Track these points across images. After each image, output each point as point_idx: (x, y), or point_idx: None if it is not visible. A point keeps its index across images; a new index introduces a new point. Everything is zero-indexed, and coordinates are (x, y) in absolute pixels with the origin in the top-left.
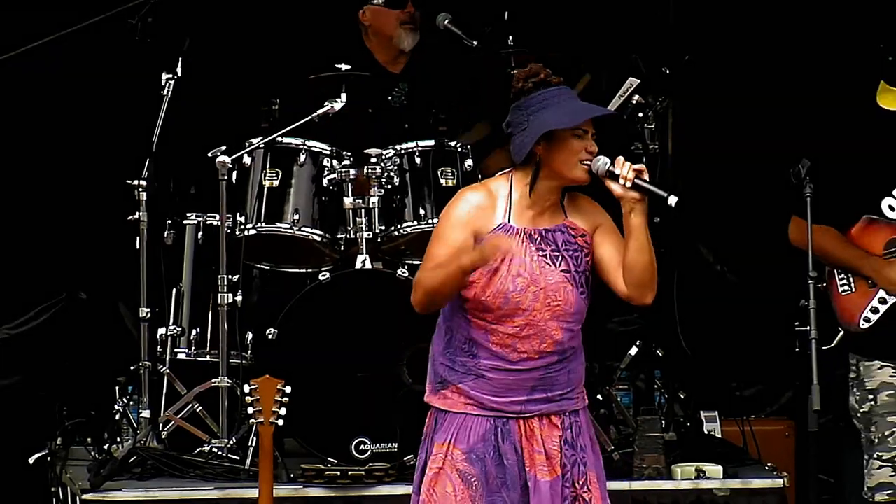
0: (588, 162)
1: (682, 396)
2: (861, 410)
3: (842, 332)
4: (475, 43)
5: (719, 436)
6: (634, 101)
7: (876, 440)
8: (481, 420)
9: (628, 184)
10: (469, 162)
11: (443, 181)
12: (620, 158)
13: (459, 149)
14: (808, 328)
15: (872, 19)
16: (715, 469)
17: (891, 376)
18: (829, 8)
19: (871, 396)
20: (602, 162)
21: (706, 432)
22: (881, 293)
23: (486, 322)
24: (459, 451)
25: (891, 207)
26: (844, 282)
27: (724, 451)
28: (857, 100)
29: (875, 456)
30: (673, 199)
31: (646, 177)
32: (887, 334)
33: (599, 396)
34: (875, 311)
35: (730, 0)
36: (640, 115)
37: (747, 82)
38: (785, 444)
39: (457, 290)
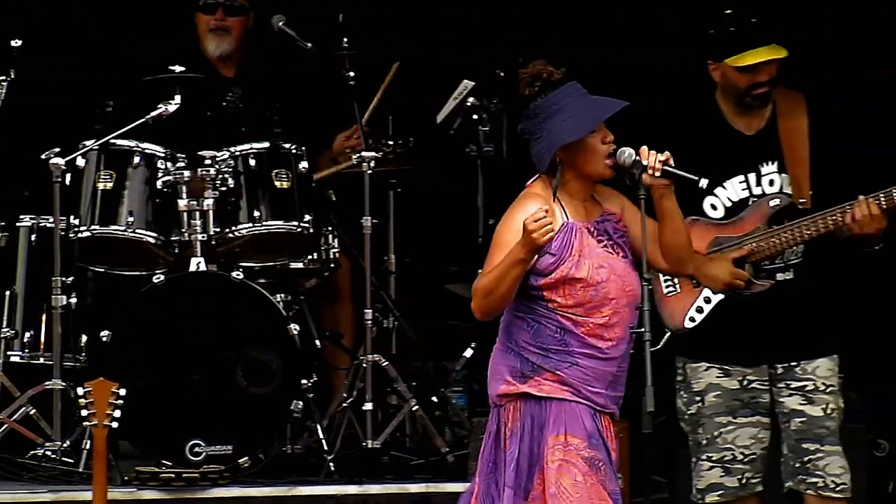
0: (611, 156)
1: None
2: (688, 413)
3: (668, 334)
4: (310, 45)
5: None
6: (469, 104)
7: (704, 441)
8: (583, 408)
9: (657, 173)
10: (304, 164)
11: (277, 183)
12: (645, 148)
13: (294, 151)
14: (642, 330)
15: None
16: None
17: (717, 377)
18: (665, 6)
19: (698, 398)
20: (627, 154)
21: None
22: (706, 292)
23: (575, 315)
24: (579, 440)
25: (713, 206)
26: (669, 282)
27: None
28: (683, 101)
29: (704, 457)
30: (704, 182)
31: (672, 162)
32: (712, 334)
33: (434, 398)
34: (700, 310)
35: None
36: (475, 117)
37: (581, 81)
38: (620, 445)
39: (515, 286)
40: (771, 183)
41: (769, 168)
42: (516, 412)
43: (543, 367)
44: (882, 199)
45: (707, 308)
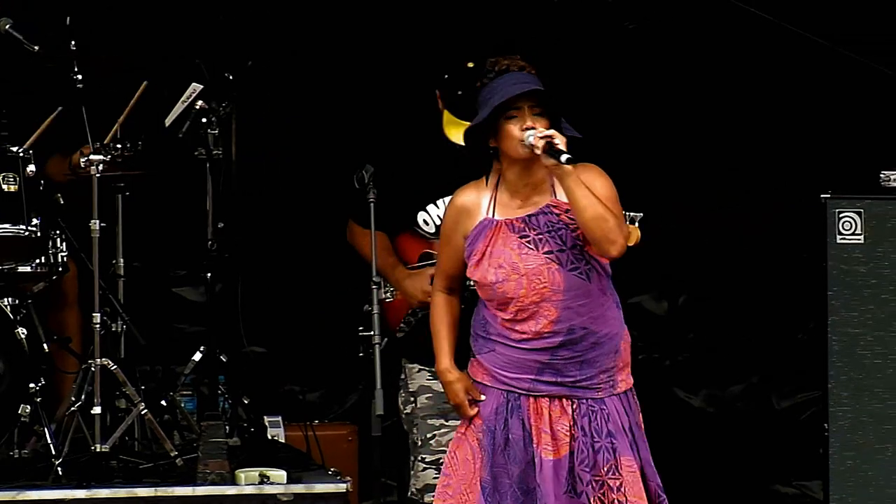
0: (528, 134)
1: (246, 402)
2: (405, 412)
3: (385, 339)
4: (37, 48)
5: (283, 441)
6: (198, 107)
7: (419, 442)
8: (496, 393)
9: (539, 152)
10: (31, 167)
11: (4, 186)
12: (537, 128)
13: (21, 154)
14: (372, 333)
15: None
16: (279, 474)
17: (428, 379)
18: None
19: (412, 399)
20: (527, 135)
21: (270, 437)
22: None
23: (492, 306)
24: (480, 421)
25: (425, 222)
26: (388, 288)
27: (287, 455)
28: (415, 112)
29: (420, 458)
30: (565, 157)
31: (557, 141)
32: (422, 340)
33: (163, 402)
34: (408, 322)
35: (293, 4)
36: (204, 120)
37: (310, 88)
38: (348, 448)
39: None
40: None
41: None
42: None
43: (474, 351)
44: None
45: (416, 319)
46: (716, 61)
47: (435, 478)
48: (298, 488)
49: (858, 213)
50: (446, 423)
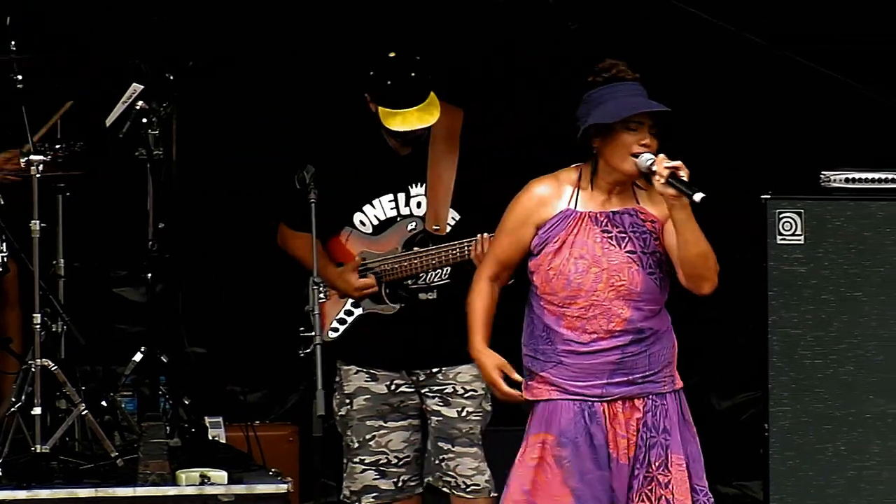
0: (635, 156)
1: (186, 402)
2: (339, 414)
3: (313, 336)
4: None
5: (224, 441)
6: (139, 107)
7: (356, 444)
8: (568, 404)
9: (661, 180)
10: None
11: None
12: (661, 156)
13: None
14: (313, 334)
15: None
16: (220, 475)
17: (366, 381)
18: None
19: (348, 401)
20: (644, 158)
21: (211, 438)
22: (350, 303)
23: (556, 306)
24: (553, 438)
25: (361, 223)
26: (322, 290)
27: (228, 456)
28: (353, 113)
29: (357, 460)
30: (698, 196)
31: (682, 174)
32: (359, 341)
33: (104, 403)
34: (343, 321)
35: (233, 4)
36: (144, 120)
37: (251, 88)
38: (289, 448)
39: None
40: (419, 205)
41: (418, 190)
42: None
43: (533, 371)
44: None
45: (350, 320)
46: (656, 62)
47: (375, 479)
48: (239, 489)
49: (799, 214)
50: (385, 425)
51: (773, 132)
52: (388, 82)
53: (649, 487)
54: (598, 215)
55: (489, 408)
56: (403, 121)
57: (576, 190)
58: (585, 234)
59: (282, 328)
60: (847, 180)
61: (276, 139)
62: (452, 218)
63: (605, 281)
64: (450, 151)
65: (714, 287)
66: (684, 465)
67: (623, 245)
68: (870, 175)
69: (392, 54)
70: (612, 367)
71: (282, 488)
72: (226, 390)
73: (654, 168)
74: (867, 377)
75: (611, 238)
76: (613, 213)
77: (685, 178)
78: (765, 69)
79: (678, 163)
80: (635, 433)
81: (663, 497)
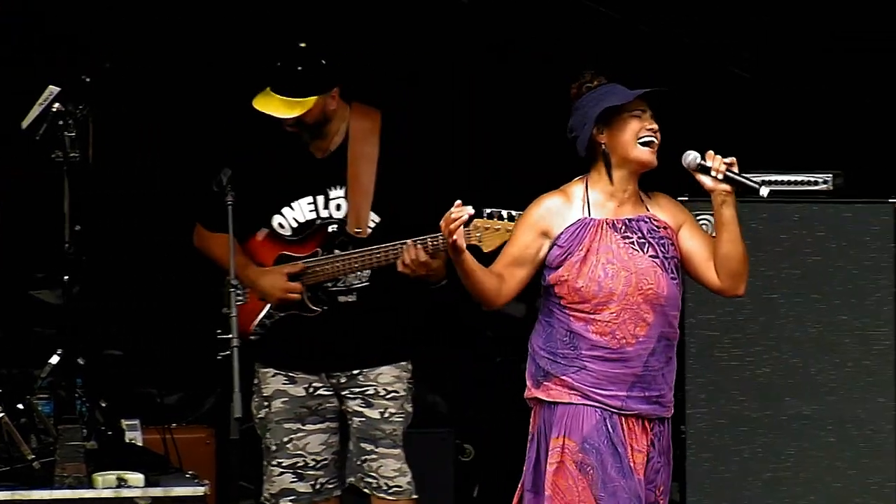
0: (647, 139)
1: (103, 405)
2: (258, 416)
3: (230, 339)
4: None
5: (141, 444)
6: (55, 109)
7: (274, 447)
8: (590, 410)
9: (720, 176)
10: None
11: None
12: (711, 152)
13: None
14: (230, 336)
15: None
16: (136, 477)
17: (284, 384)
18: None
19: (266, 403)
20: (693, 156)
21: (128, 441)
22: (269, 306)
23: (585, 313)
24: (574, 443)
25: (280, 225)
26: (239, 292)
27: (145, 459)
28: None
29: (275, 462)
30: (765, 191)
31: (735, 169)
32: (278, 343)
33: (20, 405)
34: (263, 325)
35: (150, 6)
36: (61, 123)
37: (168, 90)
38: (206, 451)
39: (473, 281)
40: (338, 207)
41: (337, 192)
42: (535, 416)
43: (552, 372)
44: (429, 243)
45: (269, 322)
46: (569, 62)
47: (292, 482)
48: (156, 492)
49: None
50: (303, 427)
51: (689, 134)
52: (299, 68)
53: None
54: (616, 222)
55: (410, 409)
56: (266, 104)
57: (586, 198)
58: (609, 240)
59: (199, 330)
60: (763, 182)
61: (193, 141)
62: (373, 220)
63: (634, 285)
64: (369, 153)
65: (745, 290)
66: (667, 492)
67: (645, 250)
68: (786, 177)
69: (303, 45)
70: (633, 379)
71: (199, 491)
72: (143, 393)
73: (709, 164)
74: (783, 379)
75: (632, 243)
76: (629, 220)
77: (738, 173)
78: (679, 69)
79: (732, 158)
80: (644, 454)
81: None
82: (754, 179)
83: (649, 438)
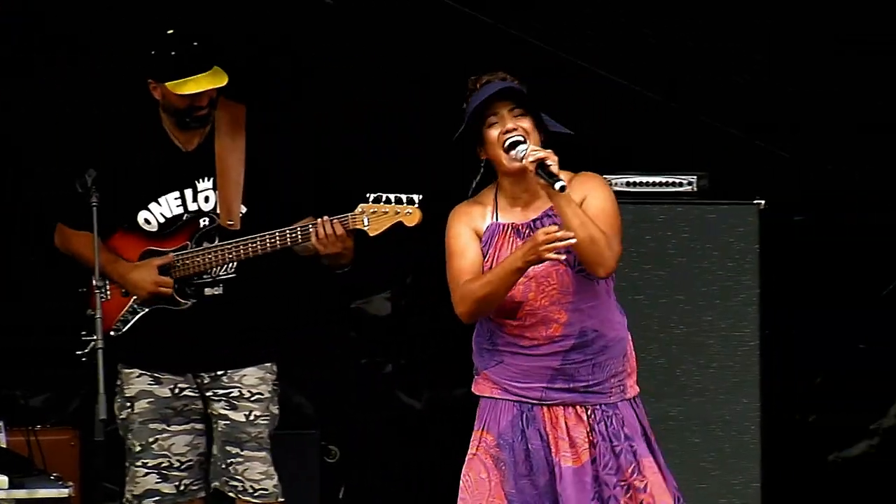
0: (512, 140)
1: None
2: (121, 417)
3: (94, 340)
4: None
5: (4, 446)
6: None
7: (138, 447)
8: (509, 405)
9: (531, 167)
10: None
11: None
12: (531, 147)
13: None
14: (95, 338)
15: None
16: (0, 479)
17: (149, 384)
18: None
19: (129, 404)
20: (520, 148)
21: None
22: (135, 300)
23: (497, 317)
24: (491, 437)
25: (146, 221)
26: (102, 289)
27: (9, 461)
28: (136, 110)
29: (139, 463)
30: (559, 185)
31: (550, 162)
32: (142, 342)
33: None
34: (126, 320)
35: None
36: None
37: (31, 87)
38: (71, 453)
39: (507, 292)
40: (207, 199)
41: (205, 185)
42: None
43: (479, 367)
44: (349, 219)
45: (133, 319)
46: (442, 63)
47: (157, 482)
48: (20, 493)
49: None
50: (168, 428)
51: (566, 138)
52: (172, 53)
53: (629, 495)
54: (521, 227)
55: (276, 411)
56: (197, 84)
57: (494, 204)
58: (508, 248)
59: (63, 331)
60: (627, 184)
61: (55, 139)
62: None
63: (534, 290)
64: (235, 145)
65: (609, 271)
66: (657, 468)
67: None
68: (649, 178)
69: (170, 31)
70: (552, 372)
71: (63, 493)
72: (7, 394)
73: (523, 158)
74: (648, 380)
75: None
76: (534, 220)
77: (554, 167)
78: (544, 73)
79: (547, 152)
80: (585, 440)
81: (643, 501)
82: (555, 176)
83: (588, 425)
